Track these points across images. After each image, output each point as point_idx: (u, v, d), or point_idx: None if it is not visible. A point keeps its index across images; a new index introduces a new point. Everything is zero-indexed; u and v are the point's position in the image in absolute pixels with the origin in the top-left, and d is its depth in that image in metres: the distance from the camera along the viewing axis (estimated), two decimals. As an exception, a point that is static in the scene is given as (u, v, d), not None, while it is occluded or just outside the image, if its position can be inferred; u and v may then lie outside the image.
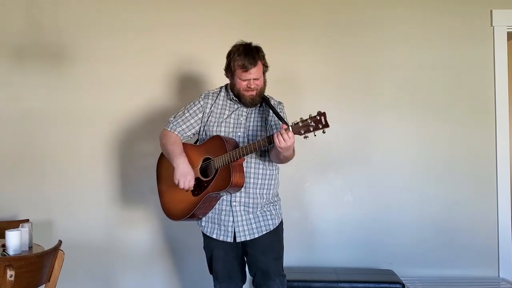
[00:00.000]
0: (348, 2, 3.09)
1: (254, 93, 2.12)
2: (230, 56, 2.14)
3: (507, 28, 3.04)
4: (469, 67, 3.04)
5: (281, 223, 2.25)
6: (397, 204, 3.03)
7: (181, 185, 2.09)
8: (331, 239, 3.03)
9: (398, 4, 3.08)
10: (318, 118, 1.87)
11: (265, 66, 2.16)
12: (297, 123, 1.91)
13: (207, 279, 2.28)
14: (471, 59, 3.04)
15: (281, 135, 1.89)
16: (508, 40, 3.07)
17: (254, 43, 2.16)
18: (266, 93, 2.26)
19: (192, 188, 2.13)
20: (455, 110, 3.04)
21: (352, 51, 3.07)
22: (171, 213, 2.26)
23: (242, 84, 2.12)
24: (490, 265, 2.98)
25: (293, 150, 2.06)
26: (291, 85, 3.03)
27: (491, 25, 3.04)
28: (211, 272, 2.27)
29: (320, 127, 1.87)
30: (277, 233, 2.21)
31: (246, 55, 2.08)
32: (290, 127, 1.91)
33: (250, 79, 2.09)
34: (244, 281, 2.28)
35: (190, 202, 2.15)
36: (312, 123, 1.87)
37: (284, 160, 2.09)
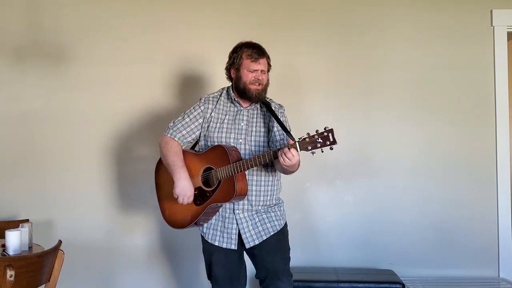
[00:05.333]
0: (348, 2, 3.09)
1: (260, 87, 2.12)
2: (237, 50, 2.16)
3: (507, 28, 3.04)
4: (469, 67, 3.04)
5: (285, 224, 2.24)
6: (397, 204, 3.02)
7: (180, 201, 2.10)
8: (331, 239, 3.03)
9: (398, 4, 3.08)
10: (326, 134, 1.84)
11: (269, 65, 2.20)
12: (304, 138, 1.89)
13: (205, 280, 2.27)
14: (471, 59, 3.04)
15: (285, 154, 1.87)
16: (508, 40, 3.07)
17: (255, 41, 2.19)
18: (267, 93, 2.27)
19: (190, 203, 2.12)
20: (455, 110, 3.04)
21: (352, 50, 3.07)
22: (173, 222, 2.25)
23: (249, 76, 2.11)
24: (490, 265, 2.98)
25: (299, 162, 2.02)
26: (291, 85, 3.03)
27: (491, 25, 3.04)
28: (209, 278, 2.24)
29: (328, 144, 1.84)
30: (282, 233, 2.20)
31: (255, 47, 2.13)
32: (297, 143, 1.89)
33: (258, 70, 2.10)
34: (244, 285, 2.25)
35: (192, 211, 2.15)
36: (320, 140, 1.85)
37: (290, 172, 2.07)
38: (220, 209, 2.17)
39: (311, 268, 2.96)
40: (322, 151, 1.87)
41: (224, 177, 2.04)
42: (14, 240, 2.10)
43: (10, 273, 1.77)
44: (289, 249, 2.23)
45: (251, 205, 2.15)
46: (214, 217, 2.19)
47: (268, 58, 2.18)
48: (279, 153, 1.89)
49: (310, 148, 1.87)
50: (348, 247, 3.03)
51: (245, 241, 2.13)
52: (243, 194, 2.06)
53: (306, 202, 3.06)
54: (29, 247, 2.26)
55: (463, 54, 3.04)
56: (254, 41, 2.19)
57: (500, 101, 3.02)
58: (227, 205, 2.15)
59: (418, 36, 3.06)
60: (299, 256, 2.93)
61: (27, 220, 2.63)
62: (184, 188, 2.09)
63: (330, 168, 3.05)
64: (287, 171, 2.04)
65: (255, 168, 2.10)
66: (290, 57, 3.05)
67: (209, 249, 2.21)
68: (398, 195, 3.03)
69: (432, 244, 3.01)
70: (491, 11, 3.03)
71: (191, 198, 2.11)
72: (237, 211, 2.14)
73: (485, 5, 3.04)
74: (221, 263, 2.17)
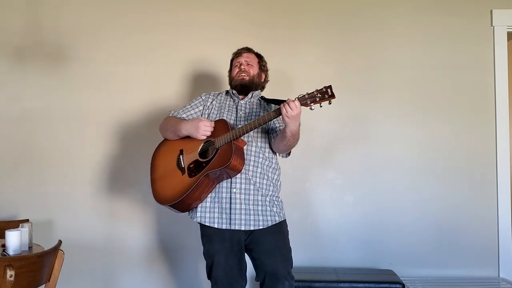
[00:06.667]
0: (348, 2, 3.09)
1: (246, 77, 2.26)
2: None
3: (507, 28, 3.04)
4: (469, 67, 3.04)
5: (283, 223, 2.22)
6: (397, 204, 3.02)
7: (202, 133, 2.09)
8: (331, 239, 3.03)
9: (398, 4, 3.08)
10: (324, 90, 1.91)
11: (262, 65, 2.33)
12: (303, 95, 1.95)
13: (205, 279, 2.27)
14: (471, 59, 3.04)
15: (288, 104, 1.92)
16: (508, 40, 3.07)
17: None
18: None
19: (212, 129, 2.10)
20: (455, 110, 3.04)
21: (352, 51, 3.07)
22: (163, 196, 2.16)
23: (235, 71, 2.30)
24: (490, 265, 2.98)
25: (299, 132, 2.07)
26: (291, 85, 3.03)
27: (491, 25, 3.04)
28: (209, 278, 2.22)
29: (326, 97, 1.90)
30: (281, 233, 2.19)
31: (240, 47, 2.35)
32: (296, 99, 1.95)
33: (241, 62, 2.29)
34: (244, 286, 2.23)
35: (186, 183, 2.10)
36: (319, 95, 1.91)
37: (291, 139, 2.06)
38: (218, 189, 2.14)
39: (311, 268, 2.96)
40: (321, 106, 1.93)
41: (223, 144, 2.05)
42: (14, 240, 2.10)
43: (10, 273, 1.77)
44: (289, 250, 2.21)
45: (249, 183, 2.13)
46: (209, 199, 2.16)
47: (258, 57, 2.34)
48: (281, 106, 1.94)
49: (309, 102, 1.93)
50: (348, 247, 3.03)
51: (232, 221, 2.12)
52: (238, 167, 2.04)
53: (306, 201, 3.06)
54: (29, 247, 2.26)
55: (463, 54, 3.04)
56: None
57: (500, 101, 3.02)
58: (224, 184, 2.13)
59: (418, 36, 3.06)
60: (299, 256, 2.92)
61: (27, 220, 2.63)
62: (194, 125, 2.11)
63: (330, 168, 3.05)
64: (290, 137, 2.03)
65: (253, 149, 2.15)
66: (290, 57, 3.05)
67: (209, 251, 2.19)
68: (398, 195, 3.03)
69: (432, 244, 3.01)
70: (491, 11, 3.04)
71: (208, 125, 2.09)
72: (234, 190, 2.13)
73: (485, 5, 3.04)
74: (221, 266, 2.15)
